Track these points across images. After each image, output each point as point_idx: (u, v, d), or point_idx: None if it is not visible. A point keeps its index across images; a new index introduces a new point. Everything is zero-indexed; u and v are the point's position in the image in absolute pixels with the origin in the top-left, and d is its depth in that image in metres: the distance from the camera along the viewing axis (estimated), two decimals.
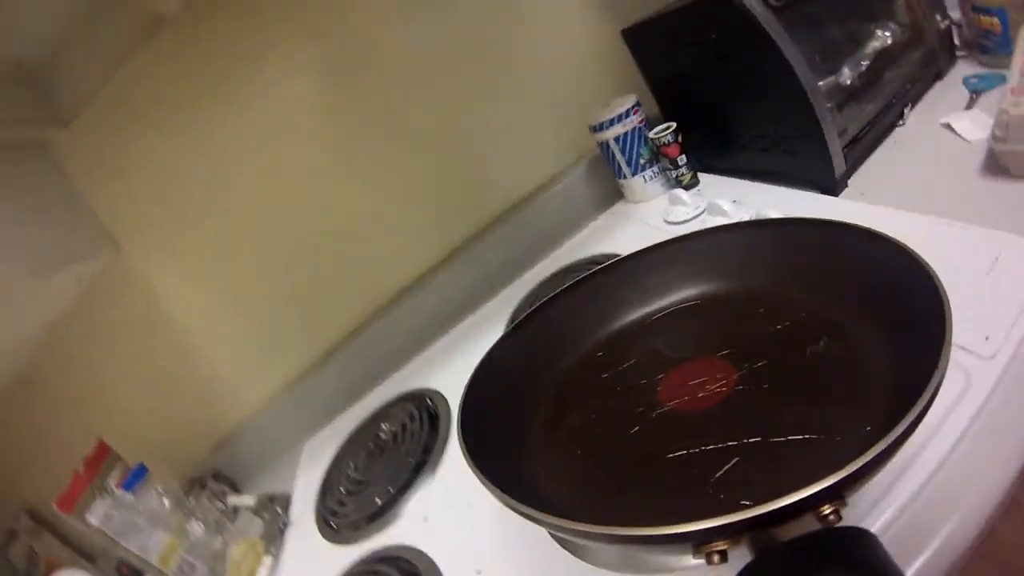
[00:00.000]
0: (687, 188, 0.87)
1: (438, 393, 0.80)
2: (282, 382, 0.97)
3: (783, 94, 0.71)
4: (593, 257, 0.87)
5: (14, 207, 0.74)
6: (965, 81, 0.80)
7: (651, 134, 0.87)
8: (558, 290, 0.57)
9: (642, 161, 0.90)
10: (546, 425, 0.49)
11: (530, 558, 0.50)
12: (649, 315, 0.55)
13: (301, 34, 0.82)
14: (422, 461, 0.69)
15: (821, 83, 0.72)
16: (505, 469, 0.40)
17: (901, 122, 0.79)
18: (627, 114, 0.87)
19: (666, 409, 0.44)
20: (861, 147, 0.76)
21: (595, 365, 0.53)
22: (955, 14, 0.83)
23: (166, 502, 0.75)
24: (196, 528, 0.78)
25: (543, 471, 0.44)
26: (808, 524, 0.25)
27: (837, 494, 0.25)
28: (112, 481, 0.77)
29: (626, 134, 0.88)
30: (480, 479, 0.37)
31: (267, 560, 0.74)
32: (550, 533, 0.47)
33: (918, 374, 0.30)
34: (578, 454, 0.44)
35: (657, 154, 0.89)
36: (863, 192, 0.72)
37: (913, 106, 0.80)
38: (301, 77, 0.84)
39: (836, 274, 0.45)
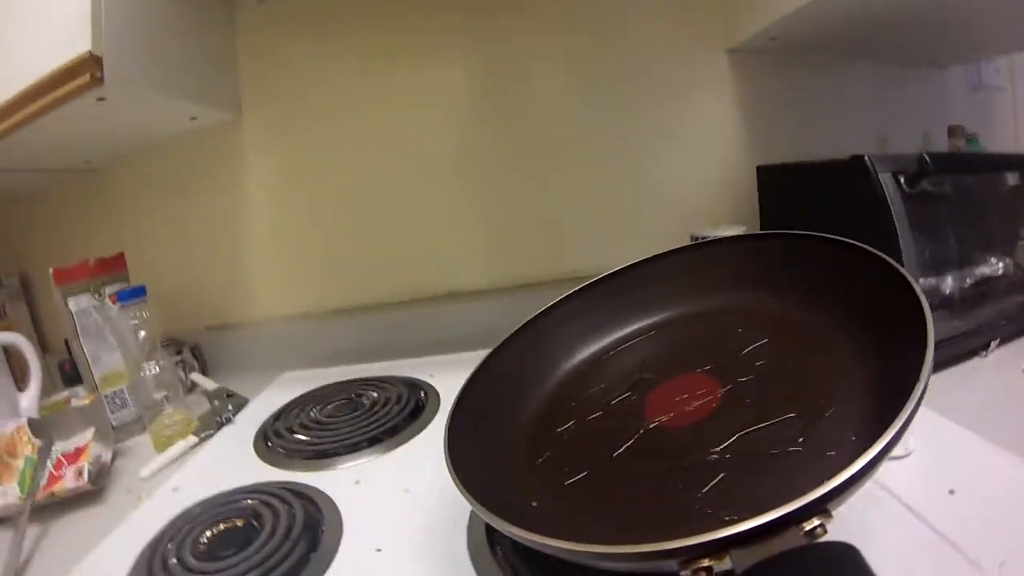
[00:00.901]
0: None
1: (434, 390, 0.75)
2: (303, 310, 0.96)
3: None
4: None
5: (187, 31, 0.79)
6: None
7: None
8: (545, 307, 0.56)
9: None
10: (531, 441, 0.46)
11: (438, 557, 0.44)
12: (634, 332, 0.54)
13: (472, 45, 0.87)
14: (384, 436, 0.64)
15: (922, 280, 0.69)
16: (488, 484, 0.38)
17: (984, 353, 0.73)
18: None
19: (652, 425, 0.42)
20: (936, 356, 0.70)
21: (580, 382, 0.51)
22: None
23: (141, 335, 0.72)
24: (149, 375, 0.74)
25: (527, 488, 0.42)
26: (794, 538, 0.24)
27: (822, 508, 0.25)
28: (109, 291, 0.75)
29: None
30: (460, 489, 0.36)
31: (190, 439, 0.70)
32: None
33: (901, 387, 0.29)
34: (565, 471, 0.42)
35: None
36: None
37: (1001, 344, 0.75)
38: (461, 74, 0.88)
39: (819, 288, 0.44)
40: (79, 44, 0.62)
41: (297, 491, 0.54)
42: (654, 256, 0.57)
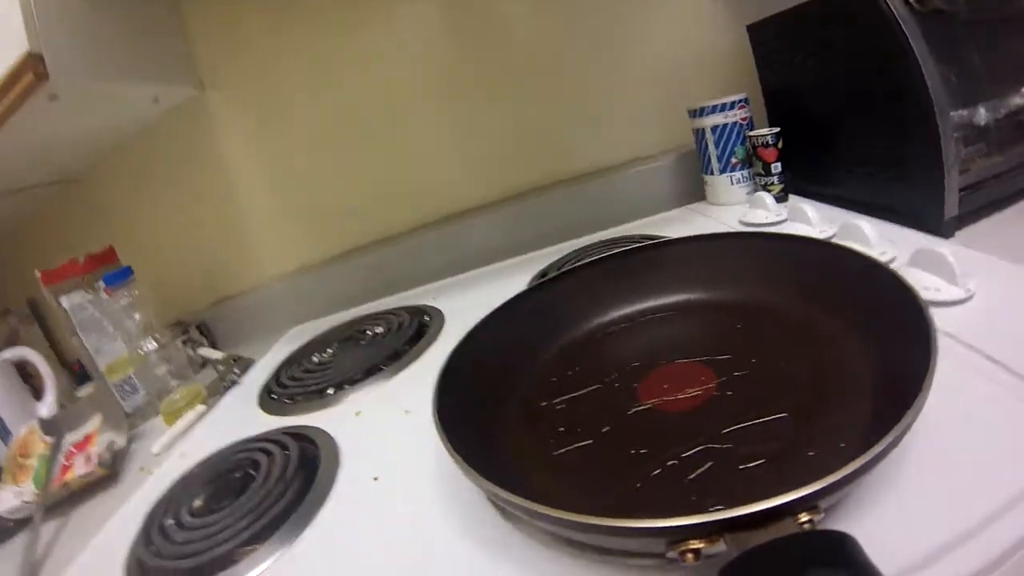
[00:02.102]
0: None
1: (438, 311, 0.69)
2: (301, 264, 0.89)
3: (907, 108, 0.57)
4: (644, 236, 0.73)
5: (126, 14, 0.72)
6: None
7: (751, 133, 0.74)
8: (555, 273, 0.55)
9: (734, 160, 0.76)
10: (524, 408, 0.44)
11: (434, 482, 0.39)
12: (638, 313, 0.52)
13: None
14: (385, 363, 0.58)
15: (954, 112, 0.58)
16: (479, 447, 0.35)
17: None
18: (732, 106, 0.74)
19: (644, 407, 0.41)
20: (979, 198, 0.59)
21: (578, 355, 0.49)
22: None
23: (136, 316, 0.67)
24: (149, 350, 0.69)
25: (515, 454, 0.39)
26: (787, 527, 0.23)
27: (811, 504, 0.24)
28: (101, 285, 0.70)
29: (725, 126, 0.75)
30: (449, 451, 0.33)
31: (200, 408, 0.64)
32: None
33: (900, 395, 0.27)
34: (551, 443, 0.39)
35: (752, 157, 0.75)
36: (969, 247, 0.56)
37: None
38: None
39: (826, 291, 0.43)
40: (17, 47, 0.58)
41: (295, 433, 0.49)
42: (667, 240, 0.55)
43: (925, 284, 0.44)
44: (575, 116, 0.84)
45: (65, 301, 0.70)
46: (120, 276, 0.67)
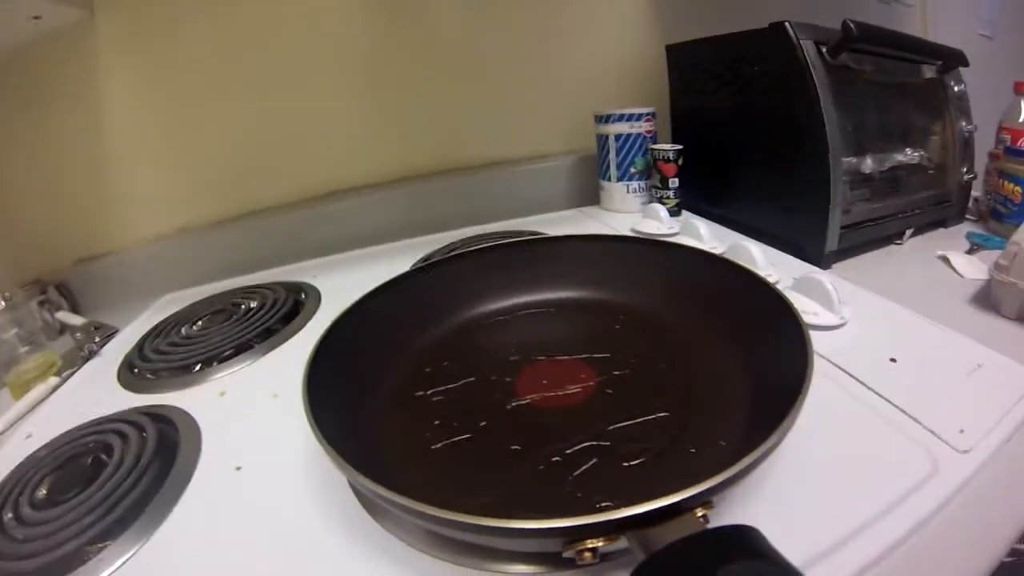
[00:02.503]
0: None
1: (315, 289, 0.66)
2: (178, 226, 0.81)
3: (805, 146, 0.62)
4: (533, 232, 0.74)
5: None
6: (969, 235, 0.72)
7: (654, 146, 0.77)
8: (439, 258, 0.54)
9: (633, 170, 0.79)
10: (398, 399, 0.41)
11: (301, 475, 0.36)
12: (516, 307, 0.52)
13: None
14: (255, 341, 0.55)
15: (845, 159, 0.63)
16: (348, 435, 0.33)
17: (899, 241, 0.71)
18: (638, 117, 0.77)
19: (523, 402, 0.40)
20: (856, 237, 0.66)
21: (455, 346, 0.47)
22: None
23: None
24: (3, 322, 0.60)
25: (389, 447, 0.37)
26: (687, 521, 0.24)
27: (708, 499, 0.25)
28: None
29: (629, 136, 0.78)
30: (322, 444, 0.29)
31: (51, 381, 0.56)
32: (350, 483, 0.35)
33: (776, 402, 0.29)
34: (427, 436, 0.37)
35: (651, 169, 0.79)
36: (844, 279, 0.61)
37: (915, 233, 0.72)
38: None
39: (711, 300, 0.44)
40: None
41: (154, 413, 0.44)
42: (555, 237, 0.55)
43: (804, 308, 0.48)
44: (485, 105, 0.84)
45: None
46: None
